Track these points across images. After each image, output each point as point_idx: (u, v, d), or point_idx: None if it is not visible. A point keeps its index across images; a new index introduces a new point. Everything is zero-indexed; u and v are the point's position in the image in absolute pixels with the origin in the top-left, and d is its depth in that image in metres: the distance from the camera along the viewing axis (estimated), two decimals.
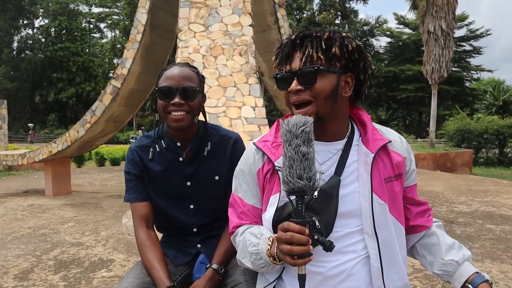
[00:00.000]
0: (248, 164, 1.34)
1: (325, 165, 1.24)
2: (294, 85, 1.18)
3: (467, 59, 35.15)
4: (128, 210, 6.24)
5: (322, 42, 1.17)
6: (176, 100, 1.49)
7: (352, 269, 1.19)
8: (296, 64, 1.19)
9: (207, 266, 1.57)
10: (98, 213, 6.08)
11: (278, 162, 1.21)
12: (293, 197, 1.05)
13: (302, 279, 1.04)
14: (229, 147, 1.66)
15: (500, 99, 33.65)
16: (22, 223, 5.46)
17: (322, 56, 1.16)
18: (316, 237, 1.08)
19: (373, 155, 1.21)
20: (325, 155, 1.25)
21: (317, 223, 1.11)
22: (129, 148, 1.66)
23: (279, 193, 1.21)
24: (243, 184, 1.35)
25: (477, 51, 34.91)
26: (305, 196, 1.04)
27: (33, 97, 42.39)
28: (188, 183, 1.63)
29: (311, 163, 1.02)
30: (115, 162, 14.28)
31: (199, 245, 1.67)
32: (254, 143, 1.34)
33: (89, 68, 42.25)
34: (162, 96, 1.51)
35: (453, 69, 25.21)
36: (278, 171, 1.19)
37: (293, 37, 1.22)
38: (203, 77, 1.64)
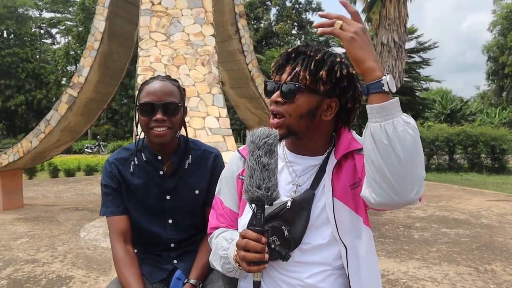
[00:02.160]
0: (231, 169, 1.38)
1: (302, 178, 1.27)
2: (275, 96, 1.22)
3: (417, 70, 36.68)
4: (86, 224, 6.03)
5: (313, 63, 1.18)
6: (158, 116, 1.47)
7: (319, 283, 1.21)
8: (284, 76, 1.22)
9: (184, 281, 1.54)
10: (54, 227, 5.83)
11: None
12: (253, 206, 1.09)
13: (256, 285, 1.08)
14: (210, 162, 1.65)
15: (447, 108, 35.46)
16: None
17: (307, 76, 1.18)
18: (272, 246, 1.12)
19: (336, 161, 1.23)
20: (304, 169, 1.28)
21: (285, 233, 1.16)
22: (107, 160, 1.62)
23: None
24: (224, 187, 1.39)
25: (426, 62, 36.46)
26: (263, 205, 1.07)
27: None
28: (168, 197, 1.60)
29: (271, 174, 1.06)
30: (69, 173, 13.73)
31: (175, 261, 1.63)
32: (238, 150, 1.39)
33: (40, 75, 40.49)
34: (144, 112, 1.49)
35: (405, 79, 26.26)
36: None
37: (290, 50, 1.25)
38: (184, 90, 1.62)
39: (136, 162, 1.58)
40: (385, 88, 1.04)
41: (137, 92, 1.63)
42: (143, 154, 1.59)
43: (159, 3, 4.78)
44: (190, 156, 1.62)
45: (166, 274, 1.61)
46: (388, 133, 1.02)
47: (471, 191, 9.62)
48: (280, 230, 1.17)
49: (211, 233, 1.39)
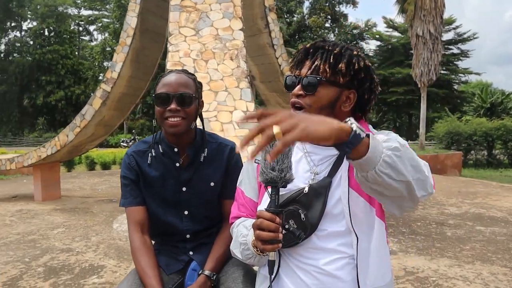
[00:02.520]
0: (252, 161, 1.43)
1: (320, 167, 1.31)
2: (297, 89, 1.27)
3: (455, 62, 35.46)
4: (119, 215, 6.20)
5: (331, 56, 1.24)
6: (173, 106, 1.52)
7: (336, 271, 1.23)
8: (304, 71, 1.28)
9: (199, 272, 1.57)
10: (88, 218, 6.03)
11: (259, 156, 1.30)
12: (269, 188, 1.15)
13: (271, 264, 1.15)
14: (225, 154, 1.68)
15: (487, 101, 34.18)
16: (11, 229, 5.40)
17: (327, 69, 1.24)
18: (286, 226, 1.16)
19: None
20: (322, 158, 1.32)
21: (302, 216, 1.22)
22: (126, 153, 1.67)
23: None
24: (245, 178, 1.45)
25: (464, 54, 35.22)
26: (277, 187, 1.13)
27: (22, 100, 41.92)
28: (184, 189, 1.64)
29: (284, 157, 1.13)
30: (105, 166, 14.16)
31: (191, 252, 1.67)
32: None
33: (78, 71, 41.94)
34: (159, 102, 1.54)
35: (442, 72, 25.49)
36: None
37: (308, 46, 1.31)
38: (200, 83, 1.65)
39: (153, 154, 1.62)
40: (362, 134, 0.95)
41: None
42: (160, 146, 1.63)
43: None
44: (206, 148, 1.65)
45: (182, 265, 1.65)
46: (377, 179, 1.00)
47: (510, 188, 9.25)
48: (297, 213, 1.22)
49: (233, 222, 1.44)
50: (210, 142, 1.68)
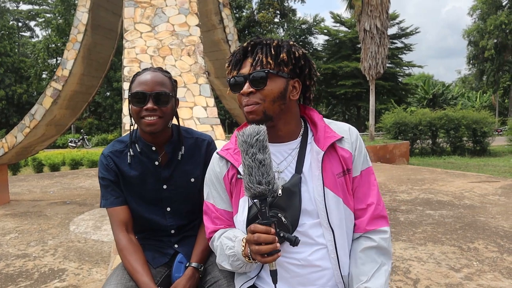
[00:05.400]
0: (214, 172, 1.44)
1: (282, 164, 1.33)
2: (246, 87, 1.27)
3: (399, 56, 37.00)
4: (75, 217, 6.02)
5: (272, 49, 1.27)
6: (149, 105, 1.51)
7: (318, 261, 1.29)
8: (247, 69, 1.29)
9: (186, 265, 1.59)
10: (42, 222, 5.81)
11: (240, 170, 1.29)
12: (256, 200, 1.16)
13: (273, 274, 1.14)
14: (203, 149, 1.70)
15: (430, 92, 35.90)
16: None
17: (271, 61, 1.26)
18: (282, 234, 1.17)
19: (323, 152, 1.30)
20: (281, 155, 1.35)
21: (283, 219, 1.22)
22: (102, 153, 1.64)
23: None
24: (213, 191, 1.44)
25: (408, 48, 36.84)
26: (267, 199, 1.13)
27: None
28: (164, 187, 1.64)
29: (268, 168, 1.11)
30: (54, 167, 13.58)
31: (176, 245, 1.68)
32: (217, 152, 1.44)
33: (19, 69, 39.72)
34: (135, 101, 1.52)
35: (388, 65, 26.48)
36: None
37: (245, 44, 1.32)
38: (175, 81, 1.65)
39: (131, 154, 1.62)
40: None
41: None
42: (137, 146, 1.63)
43: None
44: (183, 146, 1.66)
45: (168, 258, 1.67)
46: None
47: (454, 174, 9.84)
48: (278, 218, 1.21)
49: (211, 237, 1.43)
50: (186, 138, 1.68)
